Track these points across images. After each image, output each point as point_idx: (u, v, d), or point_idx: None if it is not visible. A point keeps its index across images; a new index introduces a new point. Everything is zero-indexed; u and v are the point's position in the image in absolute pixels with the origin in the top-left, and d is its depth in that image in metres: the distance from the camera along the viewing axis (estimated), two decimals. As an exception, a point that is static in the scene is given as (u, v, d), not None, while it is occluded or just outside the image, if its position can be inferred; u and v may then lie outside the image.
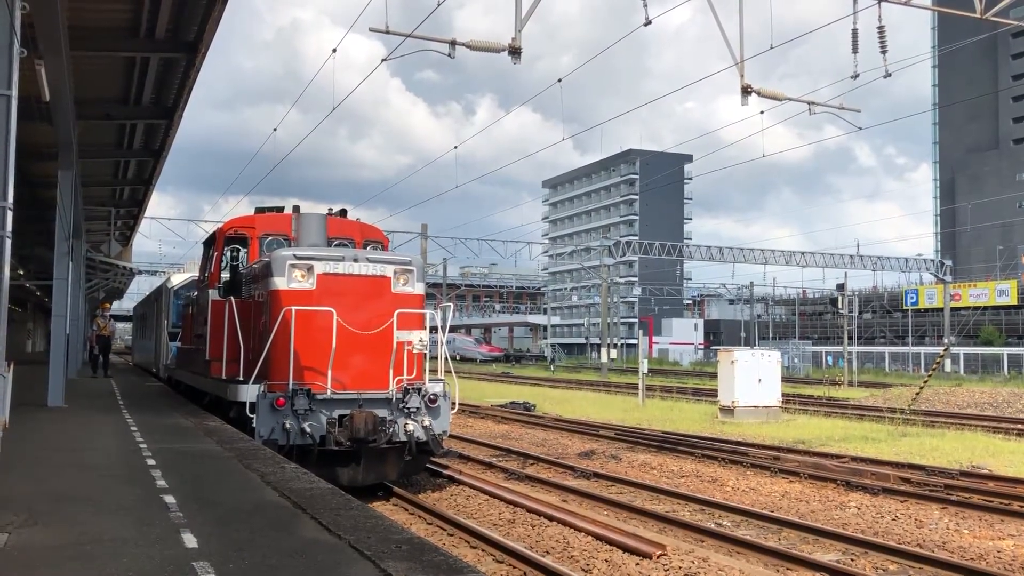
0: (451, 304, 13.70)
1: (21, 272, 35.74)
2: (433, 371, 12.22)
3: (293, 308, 11.04)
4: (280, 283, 11.40)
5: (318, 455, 10.81)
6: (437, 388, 11.79)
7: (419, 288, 12.03)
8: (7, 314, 7.76)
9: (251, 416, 10.87)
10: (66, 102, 13.98)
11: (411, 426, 11.35)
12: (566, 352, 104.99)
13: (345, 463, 11.17)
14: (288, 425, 10.76)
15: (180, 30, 13.91)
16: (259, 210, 14.45)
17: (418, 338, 11.44)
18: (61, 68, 12.37)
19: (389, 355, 11.41)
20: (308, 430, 10.79)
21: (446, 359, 12.34)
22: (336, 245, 12.99)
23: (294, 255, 11.54)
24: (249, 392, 11.09)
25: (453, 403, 12.09)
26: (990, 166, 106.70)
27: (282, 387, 10.93)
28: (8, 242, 8.03)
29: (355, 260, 11.67)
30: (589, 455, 16.35)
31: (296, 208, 13.69)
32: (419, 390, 11.60)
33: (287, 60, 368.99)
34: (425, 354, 11.93)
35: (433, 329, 12.26)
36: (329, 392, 11.09)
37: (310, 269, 11.41)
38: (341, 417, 11.12)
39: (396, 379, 11.48)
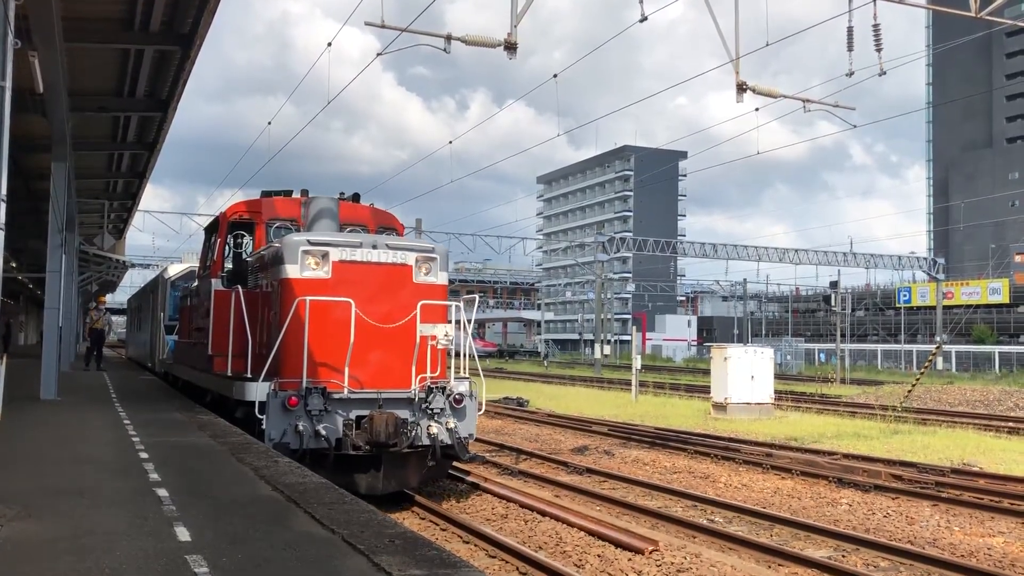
0: (476, 296, 12.60)
1: (14, 264, 35.61)
2: (455, 368, 11.37)
3: (307, 298, 10.17)
4: (292, 271, 10.56)
5: (334, 460, 10.03)
6: (463, 387, 10.92)
7: (442, 278, 11.17)
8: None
9: (260, 417, 10.08)
10: (60, 94, 13.93)
11: (435, 429, 10.48)
12: (560, 348, 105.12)
13: (364, 469, 10.33)
14: (301, 427, 9.92)
15: (175, 22, 13.87)
16: (265, 194, 13.46)
17: (443, 332, 10.67)
18: (55, 60, 12.32)
19: (411, 351, 10.54)
20: (323, 432, 9.95)
21: (471, 356, 11.45)
22: (349, 231, 12.11)
23: (307, 240, 10.70)
24: (258, 391, 10.25)
25: (480, 404, 11.26)
26: (984, 165, 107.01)
27: (294, 385, 10.12)
28: (2, 234, 8.01)
29: (374, 247, 10.79)
30: (582, 451, 16.39)
31: (305, 192, 12.85)
32: (443, 389, 10.70)
33: (279, 53, 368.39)
34: (449, 350, 11.11)
35: (456, 323, 11.33)
36: (346, 391, 10.25)
37: (325, 256, 10.58)
38: (359, 418, 10.25)
39: (419, 377, 10.60)
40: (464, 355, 11.46)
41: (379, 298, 10.64)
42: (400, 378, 10.61)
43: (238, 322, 11.44)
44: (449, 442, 10.60)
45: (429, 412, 10.58)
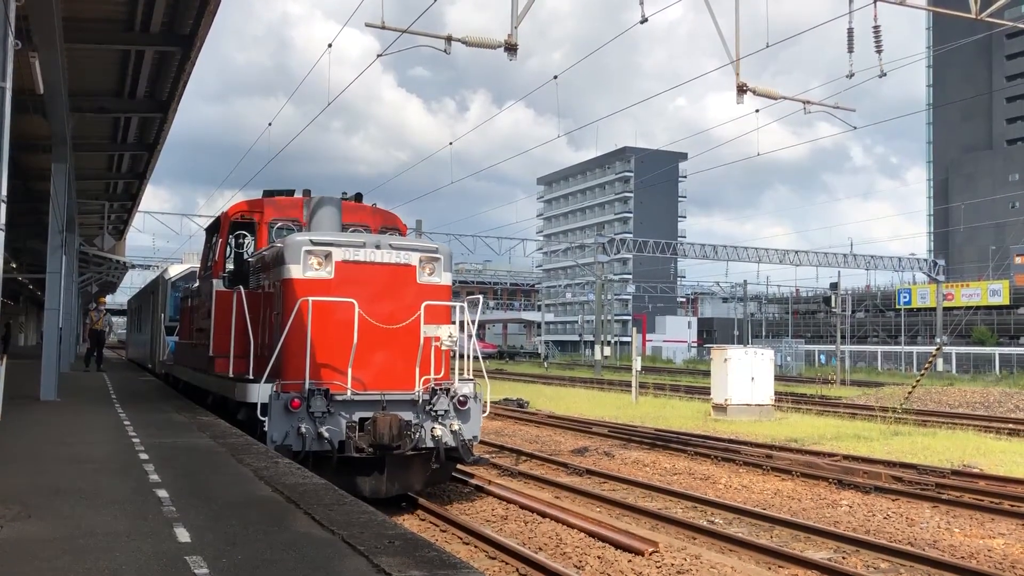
0: (479, 296, 12.39)
1: (14, 265, 35.61)
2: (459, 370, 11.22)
3: (310, 299, 10.09)
4: (295, 271, 10.44)
5: (337, 463, 9.92)
6: (467, 389, 10.80)
7: (446, 278, 11.08)
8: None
9: (262, 419, 9.93)
10: (60, 95, 13.93)
11: (439, 431, 10.40)
12: (560, 349, 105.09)
13: (367, 472, 10.23)
14: (304, 429, 9.80)
15: (175, 23, 13.87)
16: (267, 193, 13.27)
17: (447, 333, 10.53)
18: (55, 61, 12.32)
19: (415, 352, 10.44)
20: (326, 435, 9.84)
21: (476, 357, 11.34)
22: (351, 232, 11.97)
23: (310, 240, 10.58)
24: (260, 392, 10.07)
25: (484, 406, 11.16)
26: (984, 166, 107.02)
27: (297, 387, 10.00)
28: (3, 235, 8.02)
29: (377, 247, 10.68)
30: (582, 452, 16.38)
31: (307, 192, 12.72)
32: (447, 391, 10.60)
33: (279, 54, 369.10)
34: (453, 352, 11.00)
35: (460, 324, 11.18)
36: (349, 393, 10.14)
37: (328, 256, 10.46)
38: (362, 420, 10.16)
39: (422, 379, 10.52)
40: (468, 356, 11.33)
41: (382, 299, 10.51)
42: (404, 380, 10.51)
43: (240, 323, 11.27)
44: (453, 444, 10.50)
45: (433, 414, 10.48)
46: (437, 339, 10.57)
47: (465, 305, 11.20)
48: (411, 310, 10.49)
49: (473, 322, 11.05)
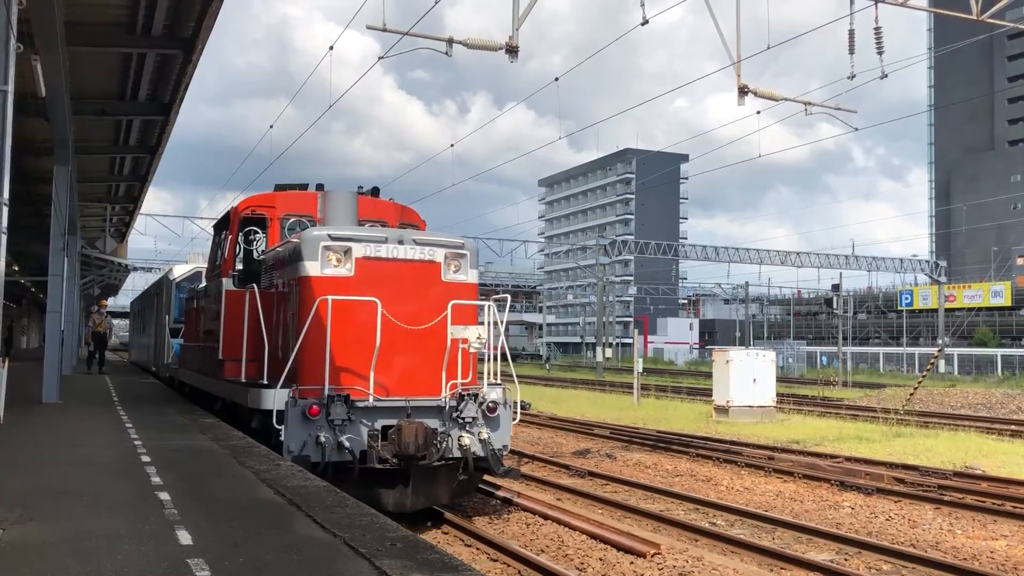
0: (507, 296, 11.75)
1: (16, 268, 35.64)
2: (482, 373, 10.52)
3: (329, 298, 9.41)
4: (312, 268, 9.76)
5: (358, 474, 9.22)
6: (496, 394, 10.07)
7: (472, 276, 10.36)
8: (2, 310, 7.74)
9: (278, 427, 9.27)
10: (62, 98, 13.95)
11: (467, 440, 9.69)
12: (561, 351, 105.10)
13: (390, 484, 9.53)
14: (323, 438, 9.17)
15: (177, 26, 13.89)
16: (279, 187, 12.55)
17: (475, 335, 9.79)
18: (57, 64, 12.34)
19: (442, 355, 9.72)
20: (346, 444, 9.19)
21: (504, 360, 10.52)
22: (369, 227, 11.18)
23: (328, 235, 9.91)
24: (276, 398, 9.36)
25: (515, 412, 10.38)
26: (986, 167, 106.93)
27: (315, 392, 9.36)
28: (4, 238, 8.03)
29: (400, 242, 9.98)
30: (584, 454, 16.38)
31: (320, 186, 12.11)
32: (475, 397, 9.88)
33: (280, 56, 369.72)
34: (481, 355, 10.34)
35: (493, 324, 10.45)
36: (371, 399, 9.44)
37: (347, 252, 9.78)
38: (385, 429, 9.49)
39: (449, 384, 9.80)
40: (496, 359, 10.56)
41: (406, 298, 9.84)
42: (429, 385, 9.83)
43: (252, 324, 10.69)
44: (482, 454, 9.82)
45: (460, 421, 9.81)
46: (464, 341, 9.89)
47: (494, 305, 10.50)
48: (437, 310, 9.79)
49: (501, 322, 10.33)
